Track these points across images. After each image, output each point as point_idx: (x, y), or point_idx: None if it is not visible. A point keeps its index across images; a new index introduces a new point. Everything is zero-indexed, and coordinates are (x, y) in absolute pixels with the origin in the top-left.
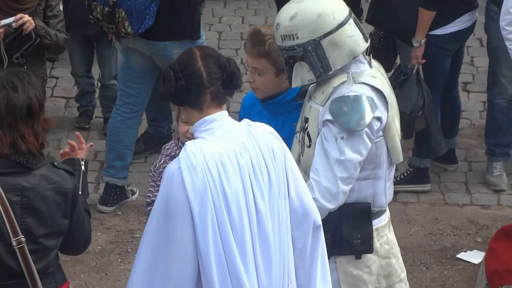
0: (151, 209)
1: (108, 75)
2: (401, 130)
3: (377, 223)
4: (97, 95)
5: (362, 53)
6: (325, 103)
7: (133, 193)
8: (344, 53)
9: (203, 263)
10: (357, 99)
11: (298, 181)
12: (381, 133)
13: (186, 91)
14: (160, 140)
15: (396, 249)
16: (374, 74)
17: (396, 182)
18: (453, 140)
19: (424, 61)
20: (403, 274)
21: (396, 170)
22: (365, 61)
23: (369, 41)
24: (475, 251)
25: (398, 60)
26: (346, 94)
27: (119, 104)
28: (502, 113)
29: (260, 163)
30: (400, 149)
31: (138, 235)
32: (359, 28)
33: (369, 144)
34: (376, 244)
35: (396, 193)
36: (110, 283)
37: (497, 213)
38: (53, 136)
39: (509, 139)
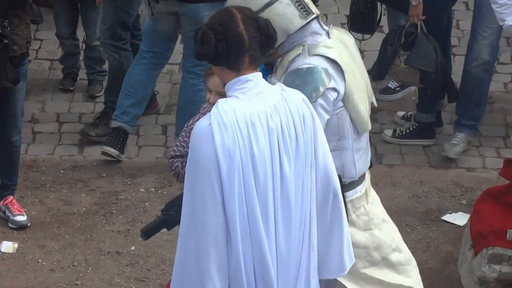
0: (173, 161)
1: (93, 37)
2: (429, 90)
3: (351, 194)
4: (81, 57)
5: (321, 24)
6: (282, 77)
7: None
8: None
9: (228, 220)
10: (309, 71)
11: (326, 150)
12: (341, 103)
13: (227, 53)
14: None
15: (378, 220)
16: (330, 45)
17: (401, 136)
18: (440, 102)
19: (424, 17)
20: (396, 243)
21: (401, 125)
22: (323, 33)
23: (312, 16)
24: (460, 213)
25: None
26: (299, 67)
27: (146, 56)
28: (475, 84)
29: (289, 128)
30: (365, 118)
31: (122, 197)
32: (298, 5)
33: (325, 116)
34: (352, 216)
35: (382, 155)
36: (95, 244)
37: (482, 176)
38: (37, 98)
39: (479, 112)
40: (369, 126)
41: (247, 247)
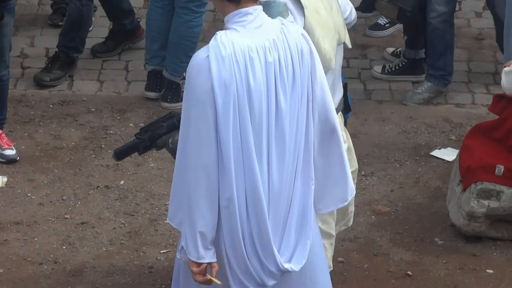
0: None
1: None
2: (404, 28)
3: None
4: None
5: None
6: None
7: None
8: None
9: (222, 151)
10: (267, 4)
11: (324, 86)
12: None
13: None
14: (127, 34)
15: None
16: None
17: (391, 73)
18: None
19: None
20: None
21: (390, 62)
22: None
23: None
24: (449, 148)
25: None
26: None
27: (160, 0)
28: (436, 35)
29: (287, 62)
30: (328, 56)
31: (111, 132)
32: None
33: None
34: None
35: (372, 91)
36: (84, 179)
37: (471, 112)
38: (26, 33)
39: (445, 62)
40: (333, 65)
41: (240, 178)
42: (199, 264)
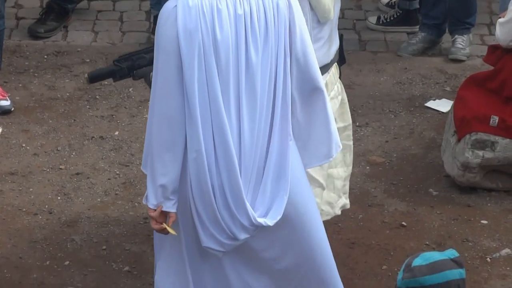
0: None
1: None
2: None
3: None
4: None
5: None
6: None
7: None
8: None
9: (188, 102)
10: None
11: (305, 39)
12: None
13: None
14: None
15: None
16: None
17: (385, 24)
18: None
19: None
20: None
21: (385, 12)
22: None
23: None
24: (443, 99)
25: None
26: None
27: None
28: None
29: (259, 15)
30: (327, 6)
31: (106, 82)
32: None
33: None
34: None
35: (366, 41)
36: (79, 129)
37: (466, 63)
38: None
39: (439, 12)
40: (331, 16)
41: (208, 131)
42: (155, 211)
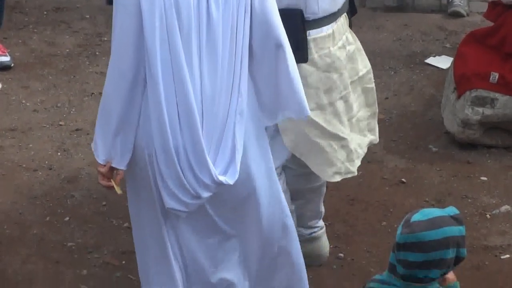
0: None
1: None
2: None
3: (315, 33)
4: None
5: None
6: None
7: None
8: None
9: (149, 61)
10: None
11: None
12: None
13: None
14: None
15: (341, 65)
16: None
17: None
18: None
19: None
20: (346, 92)
21: None
22: None
23: None
24: (443, 56)
25: None
26: None
27: None
28: None
29: None
30: None
31: (106, 38)
32: None
33: None
34: (314, 55)
35: None
36: (78, 86)
37: (466, 20)
38: None
39: None
40: None
41: (170, 91)
42: (104, 166)
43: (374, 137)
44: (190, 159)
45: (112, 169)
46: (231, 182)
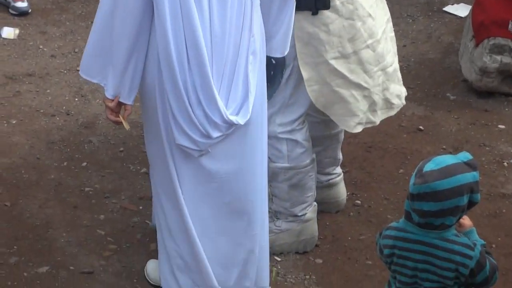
0: None
1: None
2: None
3: None
4: None
5: None
6: None
7: None
8: None
9: (157, 2)
10: None
11: None
12: None
13: None
14: None
15: (364, 12)
16: None
17: None
18: None
19: None
20: (371, 41)
21: None
22: None
23: None
24: (462, 4)
25: None
26: None
27: None
28: None
29: None
30: None
31: None
32: None
33: None
34: (336, 2)
35: None
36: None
37: None
38: None
39: None
40: None
41: (178, 27)
42: (112, 101)
43: (404, 89)
44: (199, 95)
45: (120, 104)
46: (241, 122)
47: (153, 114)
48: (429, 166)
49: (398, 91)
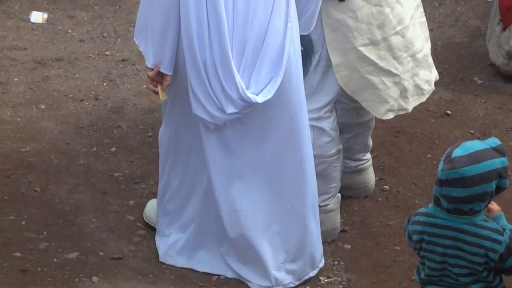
0: None
1: None
2: None
3: None
4: None
5: None
6: None
7: None
8: None
9: None
10: None
11: None
12: None
13: None
14: None
15: None
16: None
17: None
18: None
19: None
20: (400, 27)
21: None
22: None
23: None
24: None
25: None
26: None
27: None
28: None
29: None
30: None
31: None
32: None
33: None
34: None
35: None
36: (124, 16)
37: None
38: None
39: None
40: None
41: (200, 4)
42: (152, 70)
43: (436, 73)
44: (218, 70)
45: (160, 74)
46: (259, 100)
47: (175, 80)
48: (458, 152)
49: (428, 77)
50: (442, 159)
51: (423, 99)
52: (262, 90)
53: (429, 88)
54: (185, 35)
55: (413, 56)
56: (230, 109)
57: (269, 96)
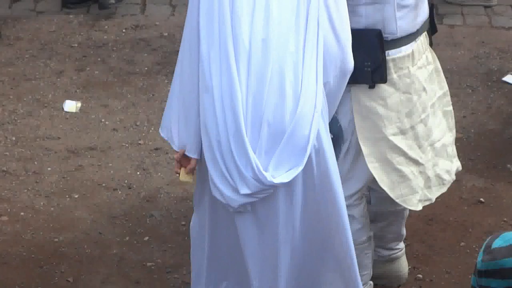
0: None
1: None
2: None
3: (394, 53)
4: None
5: None
6: None
7: None
8: None
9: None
10: None
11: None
12: None
13: None
14: None
15: (419, 86)
16: None
17: None
18: None
19: None
20: (424, 115)
21: None
22: None
23: None
24: None
25: None
26: None
27: None
28: None
29: None
30: None
31: None
32: None
33: None
34: (393, 75)
35: (443, 15)
36: (157, 104)
37: None
38: None
39: None
40: None
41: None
42: (178, 153)
43: (458, 163)
44: (232, 148)
45: (186, 157)
46: (276, 181)
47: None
48: (498, 243)
49: (448, 167)
50: (482, 249)
51: (444, 189)
52: (279, 175)
53: (449, 178)
54: (204, 128)
55: (432, 145)
56: (244, 190)
57: (285, 180)
